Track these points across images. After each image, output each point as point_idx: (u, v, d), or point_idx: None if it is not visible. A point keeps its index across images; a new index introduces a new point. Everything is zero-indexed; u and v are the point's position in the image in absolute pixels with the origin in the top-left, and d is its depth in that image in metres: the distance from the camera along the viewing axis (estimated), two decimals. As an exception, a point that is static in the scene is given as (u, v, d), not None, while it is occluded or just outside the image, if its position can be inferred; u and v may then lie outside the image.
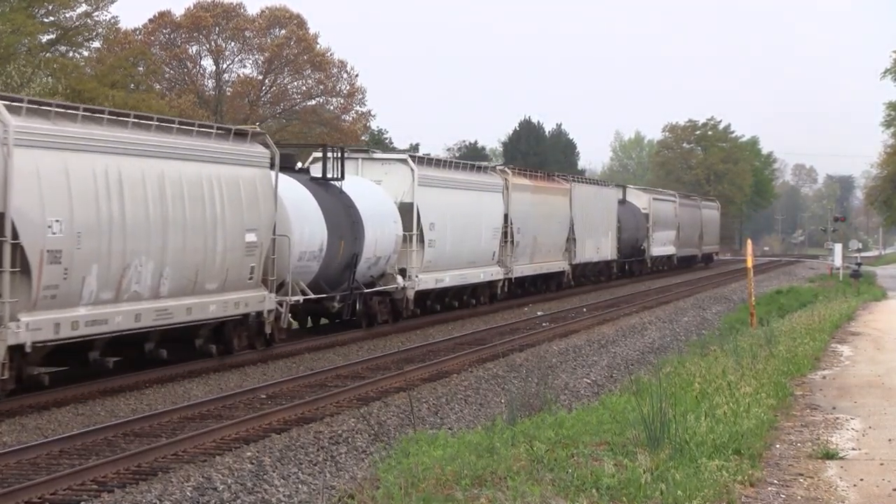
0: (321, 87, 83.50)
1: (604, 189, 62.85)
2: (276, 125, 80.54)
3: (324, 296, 31.24)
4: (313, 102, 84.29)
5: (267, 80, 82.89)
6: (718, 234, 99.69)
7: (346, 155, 35.03)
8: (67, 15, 59.50)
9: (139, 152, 23.47)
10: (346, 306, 32.48)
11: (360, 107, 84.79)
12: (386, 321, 35.05)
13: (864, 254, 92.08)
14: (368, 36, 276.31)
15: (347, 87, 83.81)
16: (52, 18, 58.68)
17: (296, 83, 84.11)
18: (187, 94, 77.79)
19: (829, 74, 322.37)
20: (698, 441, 13.53)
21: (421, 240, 36.60)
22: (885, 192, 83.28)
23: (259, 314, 27.61)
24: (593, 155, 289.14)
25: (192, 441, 17.85)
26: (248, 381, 24.95)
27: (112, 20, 63.35)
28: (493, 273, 43.63)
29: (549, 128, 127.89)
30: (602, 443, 13.56)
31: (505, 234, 44.93)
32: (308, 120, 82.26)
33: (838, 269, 64.53)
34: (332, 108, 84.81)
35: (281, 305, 28.52)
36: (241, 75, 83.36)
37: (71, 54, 61.18)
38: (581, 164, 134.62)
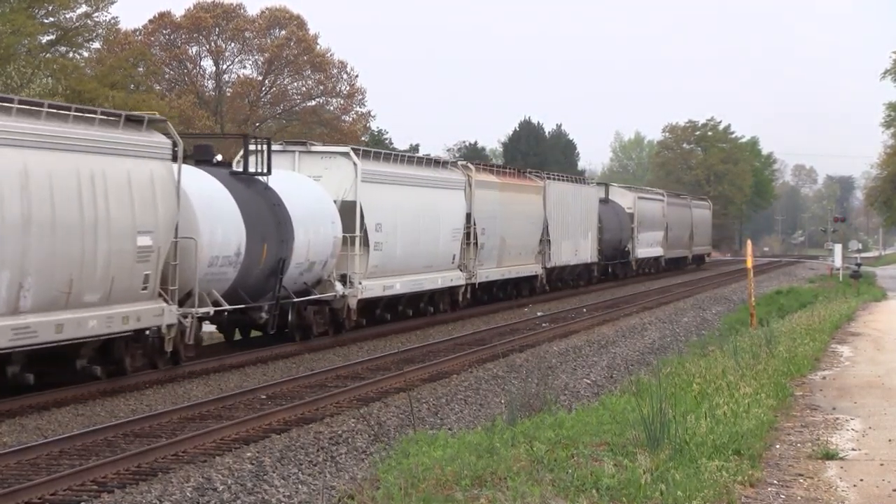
0: (321, 87, 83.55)
1: (583, 187, 58.63)
2: (276, 126, 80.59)
3: (242, 306, 27.65)
4: (313, 103, 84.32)
5: (267, 81, 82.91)
6: (710, 235, 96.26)
7: (282, 148, 32.87)
8: (67, 16, 59.53)
9: None
10: (273, 317, 28.91)
11: (360, 107, 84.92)
12: (325, 333, 31.56)
13: (864, 254, 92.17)
14: (369, 37, 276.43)
15: (347, 88, 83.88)
16: (52, 19, 58.69)
17: (296, 84, 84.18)
18: (187, 94, 77.82)
19: (829, 75, 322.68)
20: (698, 441, 13.53)
21: (366, 242, 33.10)
22: (885, 192, 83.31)
23: (158, 329, 24.09)
24: (593, 155, 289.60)
25: (192, 441, 17.85)
26: (248, 381, 24.95)
27: (112, 21, 63.40)
28: (454, 278, 40.11)
29: (549, 128, 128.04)
30: (602, 443, 13.56)
31: (468, 235, 41.40)
32: (308, 121, 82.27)
33: (838, 269, 64.52)
34: (332, 108, 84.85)
35: (186, 318, 24.87)
36: (241, 76, 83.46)
37: (71, 55, 61.19)
38: (581, 164, 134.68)
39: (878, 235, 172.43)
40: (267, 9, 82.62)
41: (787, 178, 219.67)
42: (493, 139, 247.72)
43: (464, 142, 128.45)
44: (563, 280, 55.50)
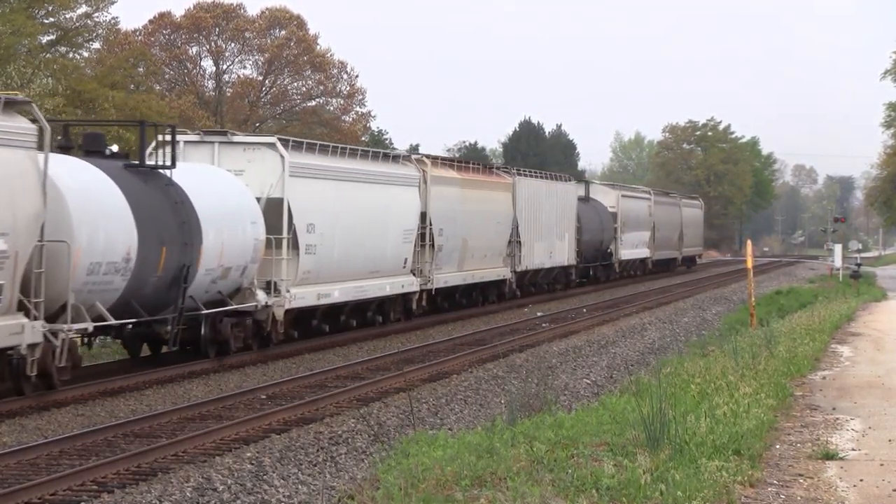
0: (321, 87, 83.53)
1: (558, 184, 53.79)
2: (276, 126, 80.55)
3: (132, 321, 24.18)
4: (313, 103, 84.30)
5: (267, 81, 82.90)
6: (702, 235, 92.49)
7: (199, 139, 29.56)
8: (67, 16, 59.44)
9: None
10: (176, 332, 25.10)
11: (360, 107, 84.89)
12: (246, 348, 28.21)
13: (864, 254, 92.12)
14: (369, 38, 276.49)
15: (347, 88, 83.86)
16: (52, 19, 58.62)
17: (296, 84, 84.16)
18: (187, 94, 77.81)
19: (829, 75, 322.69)
20: (698, 441, 13.53)
21: (295, 245, 29.42)
22: (885, 192, 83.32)
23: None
24: (594, 156, 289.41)
25: (192, 441, 17.85)
26: (247, 381, 24.95)
27: (112, 21, 63.27)
28: (406, 284, 36.21)
29: (549, 128, 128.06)
30: (602, 443, 13.56)
31: (422, 236, 37.55)
32: (308, 121, 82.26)
33: (838, 269, 64.55)
34: (332, 108, 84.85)
35: (57, 336, 21.27)
36: (241, 76, 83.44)
37: (71, 55, 61.12)
38: (581, 164, 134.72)
39: (878, 235, 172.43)
40: (267, 9, 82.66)
41: (787, 178, 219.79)
42: (493, 139, 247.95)
43: (464, 142, 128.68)
44: (537, 284, 51.66)
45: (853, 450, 14.57)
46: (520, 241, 47.14)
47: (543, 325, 38.29)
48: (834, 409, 17.82)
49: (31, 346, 20.57)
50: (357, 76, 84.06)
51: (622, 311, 43.98)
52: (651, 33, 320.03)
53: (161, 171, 25.40)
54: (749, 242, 36.01)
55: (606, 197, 65.26)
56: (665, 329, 37.80)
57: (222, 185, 27.96)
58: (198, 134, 30.49)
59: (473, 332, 35.46)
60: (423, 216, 37.71)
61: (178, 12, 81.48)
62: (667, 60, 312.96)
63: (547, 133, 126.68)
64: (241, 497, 15.08)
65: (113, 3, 60.70)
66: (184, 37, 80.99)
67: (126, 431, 18.79)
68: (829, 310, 36.37)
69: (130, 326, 24.80)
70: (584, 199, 60.81)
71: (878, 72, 77.35)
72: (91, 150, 24.71)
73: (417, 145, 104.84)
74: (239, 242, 27.18)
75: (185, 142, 28.90)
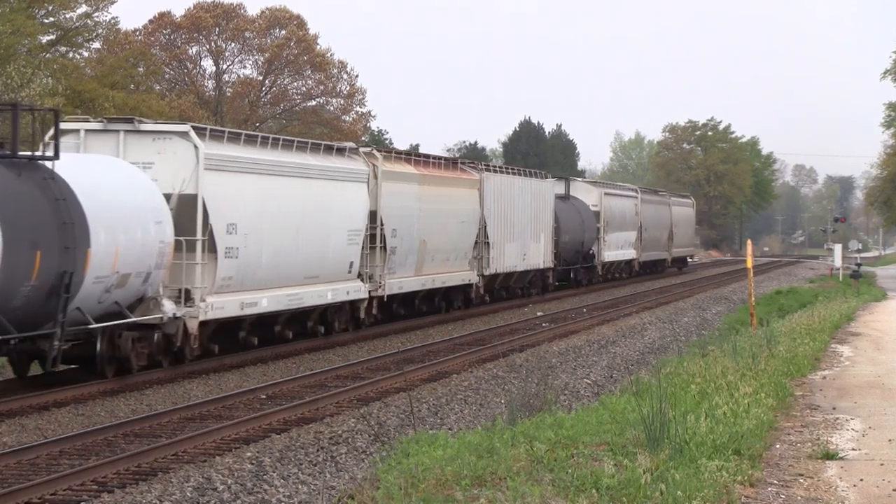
0: (321, 87, 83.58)
1: (533, 181, 49.71)
2: (276, 126, 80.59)
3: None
4: (313, 103, 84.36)
5: (267, 81, 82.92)
6: (693, 235, 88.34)
7: (103, 127, 26.26)
8: (67, 16, 59.51)
9: None
10: (58, 349, 21.68)
11: (360, 107, 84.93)
12: (154, 365, 24.82)
13: (863, 254, 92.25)
14: (370, 38, 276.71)
15: (347, 88, 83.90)
16: (52, 19, 58.69)
17: (296, 84, 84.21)
18: (187, 94, 77.85)
19: (830, 75, 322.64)
20: (698, 441, 13.53)
21: (213, 247, 26.04)
22: (885, 192, 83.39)
23: None
24: (593, 156, 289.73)
25: (192, 441, 17.85)
26: (247, 381, 24.94)
27: (112, 21, 63.39)
28: (352, 290, 32.36)
29: (549, 128, 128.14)
30: (602, 443, 13.56)
31: (373, 237, 33.76)
32: (308, 120, 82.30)
33: (838, 269, 64.58)
34: (332, 108, 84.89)
35: None
36: (241, 76, 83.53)
37: (71, 55, 61.19)
38: (581, 164, 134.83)
39: (878, 235, 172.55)
40: (267, 9, 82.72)
41: (787, 178, 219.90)
42: (493, 139, 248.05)
43: (464, 142, 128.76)
44: (509, 289, 48.05)
45: (853, 450, 14.57)
46: (488, 242, 43.60)
47: (543, 324, 38.30)
48: (834, 408, 17.82)
49: None
50: (357, 76, 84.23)
51: (622, 311, 43.99)
52: (651, 33, 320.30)
53: (42, 162, 21.87)
54: (749, 242, 35.98)
55: (588, 195, 61.51)
56: (665, 329, 37.81)
57: (121, 179, 24.38)
58: (100, 122, 26.91)
59: (473, 331, 35.46)
60: (374, 215, 33.89)
61: (178, 12, 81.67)
62: (667, 60, 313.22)
63: (547, 133, 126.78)
64: (241, 497, 15.08)
65: (113, 2, 60.80)
66: (184, 37, 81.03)
67: (126, 431, 18.79)
68: (829, 310, 36.36)
69: (13, 342, 21.21)
70: (564, 198, 57.46)
71: (878, 72, 77.35)
72: None
73: (417, 145, 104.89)
74: (139, 245, 23.59)
75: (87, 130, 25.98)
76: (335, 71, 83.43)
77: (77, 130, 25.72)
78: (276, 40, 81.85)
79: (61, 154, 22.14)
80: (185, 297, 25.30)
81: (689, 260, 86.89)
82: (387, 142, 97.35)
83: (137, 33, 78.52)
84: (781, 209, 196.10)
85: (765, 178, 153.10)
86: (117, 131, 26.12)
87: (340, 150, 33.00)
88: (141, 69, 68.00)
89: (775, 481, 12.73)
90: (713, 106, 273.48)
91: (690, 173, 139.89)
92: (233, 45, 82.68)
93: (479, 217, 42.81)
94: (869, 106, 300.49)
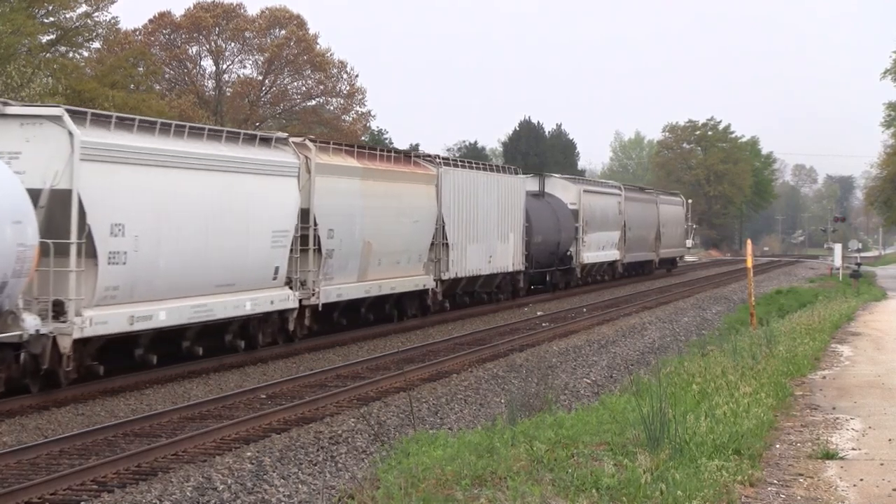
0: (321, 87, 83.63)
1: (500, 177, 45.75)
2: (276, 125, 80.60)
3: None
4: (313, 103, 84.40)
5: (267, 81, 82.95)
6: (684, 235, 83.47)
7: None
8: (67, 15, 59.56)
9: None
10: None
11: (360, 107, 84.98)
12: (17, 391, 21.25)
13: (863, 254, 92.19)
14: (370, 38, 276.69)
15: (347, 88, 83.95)
16: (52, 19, 58.74)
17: (296, 83, 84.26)
18: (187, 94, 77.89)
19: (830, 75, 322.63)
20: (698, 441, 13.52)
21: (92, 252, 22.25)
22: (885, 192, 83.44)
23: None
24: (593, 156, 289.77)
25: (192, 441, 17.86)
26: (248, 381, 24.95)
27: (112, 21, 63.45)
28: (277, 299, 28.69)
29: (549, 128, 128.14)
30: (602, 443, 13.56)
31: (304, 239, 29.97)
32: (308, 120, 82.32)
33: (838, 269, 64.60)
34: (331, 108, 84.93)
35: None
36: (241, 76, 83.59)
37: (71, 55, 61.24)
38: (581, 164, 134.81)
39: (878, 235, 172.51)
40: (267, 9, 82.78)
41: (787, 178, 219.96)
42: (493, 139, 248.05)
43: (464, 142, 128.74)
44: (474, 294, 44.56)
45: (853, 449, 14.56)
46: (447, 244, 39.52)
47: (543, 324, 38.31)
48: (834, 408, 17.82)
49: None
50: (357, 76, 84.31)
51: (622, 311, 44.01)
52: (651, 33, 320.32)
53: None
54: (749, 242, 35.98)
55: (566, 192, 56.76)
56: (665, 329, 37.81)
57: None
58: None
59: (473, 331, 35.47)
60: (306, 214, 30.09)
61: (178, 12, 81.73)
62: (667, 60, 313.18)
63: (547, 133, 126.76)
64: (241, 496, 15.08)
65: (113, 2, 60.84)
66: (184, 36, 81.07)
67: (126, 431, 18.79)
68: (829, 309, 36.36)
69: None
70: (538, 195, 53.43)
71: (878, 72, 77.39)
72: None
73: (417, 144, 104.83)
74: None
75: None
76: (335, 71, 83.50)
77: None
78: (276, 40, 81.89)
79: None
80: (54, 310, 21.50)
81: (679, 261, 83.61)
82: (386, 141, 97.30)
83: (137, 33, 78.58)
84: (781, 209, 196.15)
85: (765, 178, 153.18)
86: None
87: (265, 141, 29.00)
88: (141, 69, 68.02)
89: (775, 481, 12.73)
90: (713, 106, 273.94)
91: (690, 173, 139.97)
92: (233, 44, 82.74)
93: (436, 215, 38.74)
94: (869, 106, 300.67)
